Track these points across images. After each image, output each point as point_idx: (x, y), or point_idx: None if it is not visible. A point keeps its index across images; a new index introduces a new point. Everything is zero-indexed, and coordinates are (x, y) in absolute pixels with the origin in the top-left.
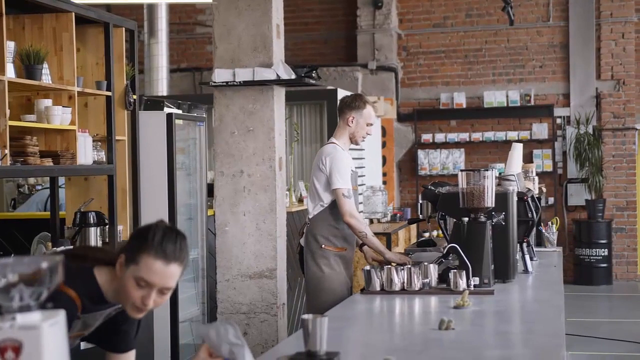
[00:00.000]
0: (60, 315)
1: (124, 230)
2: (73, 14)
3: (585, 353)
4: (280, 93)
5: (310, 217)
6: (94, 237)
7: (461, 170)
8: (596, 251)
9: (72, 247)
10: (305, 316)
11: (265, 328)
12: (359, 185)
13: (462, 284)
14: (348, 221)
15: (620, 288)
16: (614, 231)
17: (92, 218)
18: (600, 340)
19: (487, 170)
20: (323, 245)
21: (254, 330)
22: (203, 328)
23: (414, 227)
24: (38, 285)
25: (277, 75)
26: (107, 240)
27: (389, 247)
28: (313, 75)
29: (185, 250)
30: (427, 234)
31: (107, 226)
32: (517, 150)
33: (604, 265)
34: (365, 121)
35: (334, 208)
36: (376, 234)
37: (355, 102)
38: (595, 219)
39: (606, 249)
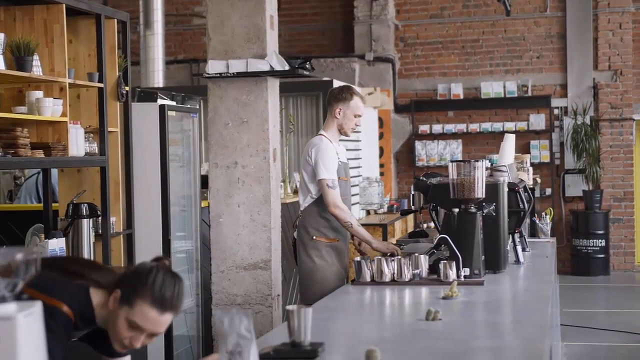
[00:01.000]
0: (37, 307)
1: (116, 222)
2: (64, 5)
3: (581, 344)
4: (274, 84)
5: (301, 209)
6: (87, 228)
7: (452, 161)
8: (593, 242)
9: (67, 257)
10: (290, 307)
11: (260, 319)
12: (355, 176)
13: (452, 274)
14: (332, 212)
15: (618, 279)
16: (611, 222)
17: (84, 210)
18: (597, 330)
19: (478, 161)
20: (314, 237)
21: None
22: (219, 313)
23: (410, 218)
24: (13, 276)
25: (271, 66)
26: (99, 231)
27: (384, 238)
28: (307, 66)
29: (181, 298)
30: (424, 225)
31: (99, 218)
32: (510, 141)
33: (602, 256)
34: (352, 112)
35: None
36: (372, 225)
37: (342, 93)
38: (593, 210)
39: (603, 240)
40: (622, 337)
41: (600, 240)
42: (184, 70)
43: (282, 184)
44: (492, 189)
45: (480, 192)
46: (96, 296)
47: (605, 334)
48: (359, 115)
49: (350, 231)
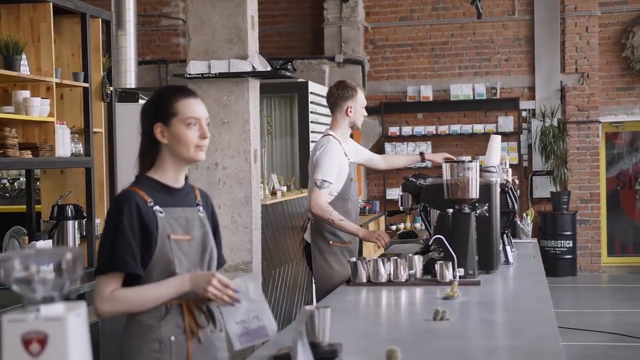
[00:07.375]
0: (83, 307)
1: (101, 224)
2: (51, 4)
3: None
4: (255, 85)
5: (313, 212)
6: (72, 230)
7: (445, 161)
8: (561, 243)
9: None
10: (309, 307)
11: None
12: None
13: (449, 275)
14: (312, 212)
15: (585, 279)
16: (578, 223)
17: (69, 211)
18: (566, 330)
19: (472, 161)
20: (331, 242)
21: None
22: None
23: (382, 219)
24: (61, 276)
25: (253, 67)
26: (84, 233)
27: (359, 243)
28: (288, 67)
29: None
30: (402, 226)
31: (84, 219)
32: (496, 142)
33: (569, 256)
34: (361, 106)
35: (338, 202)
36: None
37: (347, 91)
38: (560, 211)
39: (571, 241)
40: (592, 337)
41: (567, 241)
42: (152, 71)
43: (261, 185)
44: (485, 189)
45: (474, 192)
46: (150, 173)
47: (575, 333)
48: (365, 105)
49: (335, 228)
